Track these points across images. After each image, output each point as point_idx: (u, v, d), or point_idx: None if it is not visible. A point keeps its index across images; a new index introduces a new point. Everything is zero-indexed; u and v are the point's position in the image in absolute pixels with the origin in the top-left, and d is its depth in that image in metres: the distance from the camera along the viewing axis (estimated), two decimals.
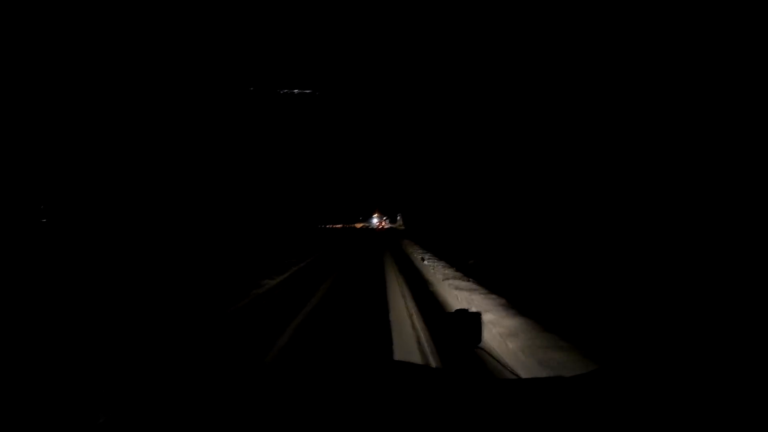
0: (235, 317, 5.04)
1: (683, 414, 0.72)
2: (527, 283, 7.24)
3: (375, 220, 69.31)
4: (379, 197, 64.41)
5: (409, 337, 4.19)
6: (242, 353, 3.68)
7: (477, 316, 1.36)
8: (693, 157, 6.05)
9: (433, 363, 3.47)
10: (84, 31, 12.60)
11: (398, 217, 60.07)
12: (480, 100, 14.61)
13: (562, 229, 9.26)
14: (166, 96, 15.10)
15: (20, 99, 11.11)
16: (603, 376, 1.04)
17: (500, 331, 4.03)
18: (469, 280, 7.33)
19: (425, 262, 10.85)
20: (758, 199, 5.12)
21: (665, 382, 0.87)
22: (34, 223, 11.93)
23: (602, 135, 8.04)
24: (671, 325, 4.28)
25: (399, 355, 3.62)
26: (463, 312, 1.38)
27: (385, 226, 61.58)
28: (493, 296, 5.81)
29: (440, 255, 12.89)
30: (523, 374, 2.85)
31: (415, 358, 3.54)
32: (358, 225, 61.09)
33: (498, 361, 1.75)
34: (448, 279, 7.45)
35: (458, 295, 6.07)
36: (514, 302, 5.31)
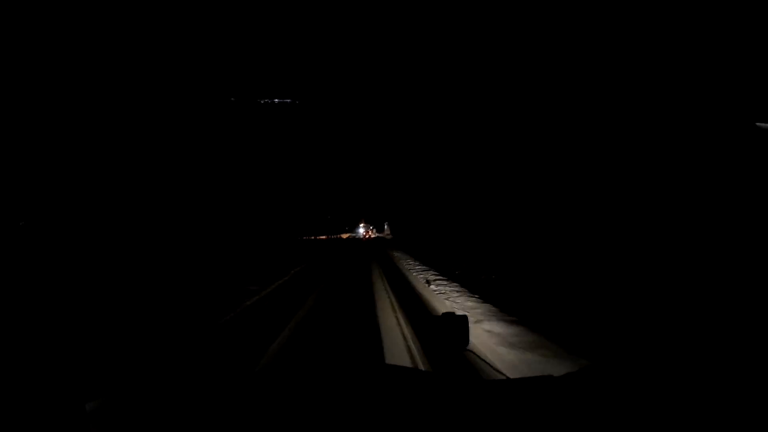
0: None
1: (672, 412, 0.73)
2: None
3: (361, 230, 68.42)
4: (365, 206, 63.86)
5: None
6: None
7: (464, 319, 1.38)
8: (695, 159, 6.12)
9: (422, 366, 3.46)
10: (68, 27, 12.37)
11: (385, 226, 59.64)
12: (470, 97, 14.57)
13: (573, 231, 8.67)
14: (139, 100, 14.85)
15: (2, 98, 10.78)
16: (592, 374, 1.04)
17: None
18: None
19: (432, 287, 7.99)
20: (747, 199, 5.25)
21: (656, 380, 0.88)
22: (9, 227, 11.43)
23: (601, 130, 8.08)
24: (665, 324, 4.36)
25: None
26: (450, 315, 1.40)
27: (372, 236, 60.58)
28: None
29: (441, 268, 10.93)
30: (512, 376, 2.87)
31: (405, 362, 3.51)
32: (345, 236, 59.66)
33: (486, 362, 1.76)
34: (492, 332, 4.39)
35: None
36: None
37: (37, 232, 11.74)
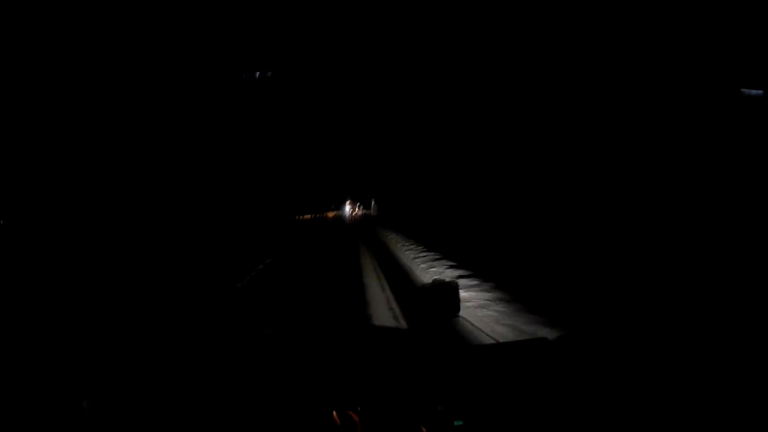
0: None
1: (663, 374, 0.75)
2: None
3: (347, 208, 66.52)
4: (350, 183, 62.35)
5: None
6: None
7: (455, 286, 1.36)
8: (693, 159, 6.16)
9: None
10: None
11: (372, 203, 58.93)
12: (460, 75, 14.17)
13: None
14: (116, 69, 14.17)
15: None
16: (586, 336, 1.07)
17: None
18: None
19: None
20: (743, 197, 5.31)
21: (646, 344, 0.91)
22: None
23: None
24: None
25: None
26: (440, 283, 1.37)
27: (359, 213, 57.16)
28: None
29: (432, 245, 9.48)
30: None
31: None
32: (331, 214, 57.65)
33: (479, 329, 1.76)
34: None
35: None
36: None
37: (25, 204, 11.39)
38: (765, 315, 3.13)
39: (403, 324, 4.38)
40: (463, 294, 4.54)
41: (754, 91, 5.87)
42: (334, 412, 0.74)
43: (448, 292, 1.36)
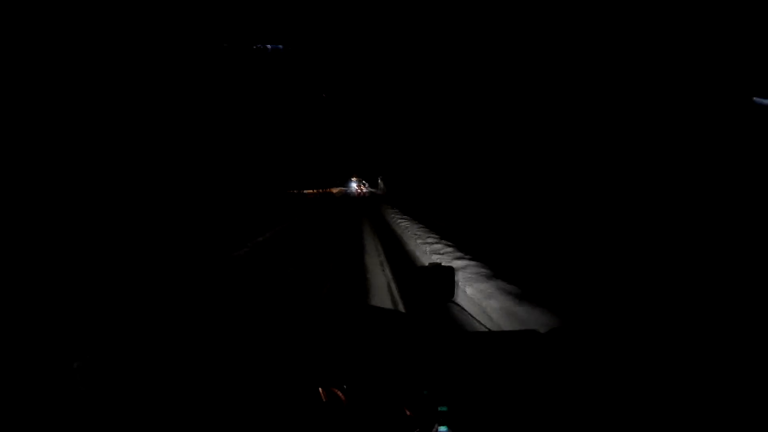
0: None
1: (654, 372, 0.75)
2: None
3: (354, 185, 66.81)
4: (357, 159, 61.96)
5: None
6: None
7: (450, 270, 1.34)
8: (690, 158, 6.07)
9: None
10: None
11: (379, 181, 58.54)
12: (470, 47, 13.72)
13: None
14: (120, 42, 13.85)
15: None
16: (577, 331, 1.06)
17: None
18: None
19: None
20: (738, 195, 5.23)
21: (637, 341, 0.90)
22: None
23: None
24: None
25: None
26: (436, 266, 1.36)
27: (365, 192, 57.45)
28: None
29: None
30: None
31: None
32: (335, 190, 57.56)
33: (472, 316, 1.77)
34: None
35: None
36: None
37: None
38: (765, 315, 3.14)
39: (400, 306, 4.39)
40: (462, 280, 4.56)
41: (766, 101, 5.74)
42: (320, 389, 0.74)
43: (443, 276, 1.34)
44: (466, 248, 7.23)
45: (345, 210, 19.95)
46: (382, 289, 4.99)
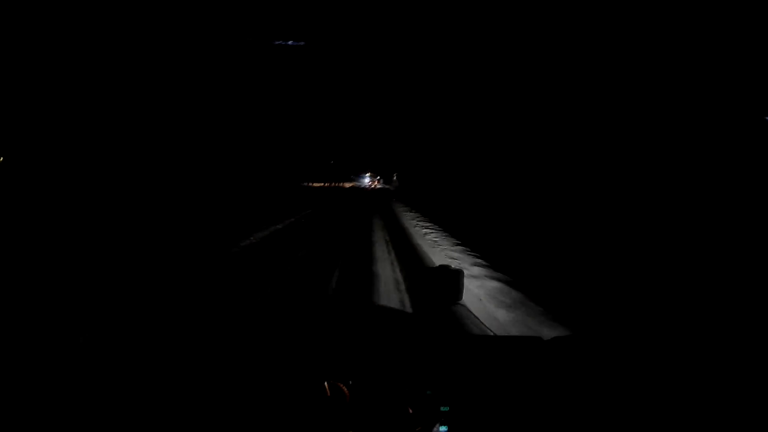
0: None
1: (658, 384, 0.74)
2: None
3: (367, 179, 69.35)
4: (374, 157, 63.76)
5: None
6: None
7: (458, 273, 1.35)
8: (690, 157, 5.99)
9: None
10: None
11: (394, 177, 59.48)
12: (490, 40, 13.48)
13: None
14: (138, 38, 14.01)
15: None
16: (581, 340, 1.05)
17: None
18: None
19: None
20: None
21: (640, 350, 0.89)
22: None
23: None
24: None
25: None
26: (445, 268, 1.37)
27: (378, 186, 62.03)
28: None
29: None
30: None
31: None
32: (348, 184, 58.56)
33: (478, 319, 1.77)
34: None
35: None
36: None
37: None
38: (765, 315, 3.07)
39: (407, 305, 4.38)
40: (470, 282, 4.54)
41: None
42: (326, 383, 0.77)
43: (450, 278, 1.35)
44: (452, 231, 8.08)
45: (345, 205, 18.70)
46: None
